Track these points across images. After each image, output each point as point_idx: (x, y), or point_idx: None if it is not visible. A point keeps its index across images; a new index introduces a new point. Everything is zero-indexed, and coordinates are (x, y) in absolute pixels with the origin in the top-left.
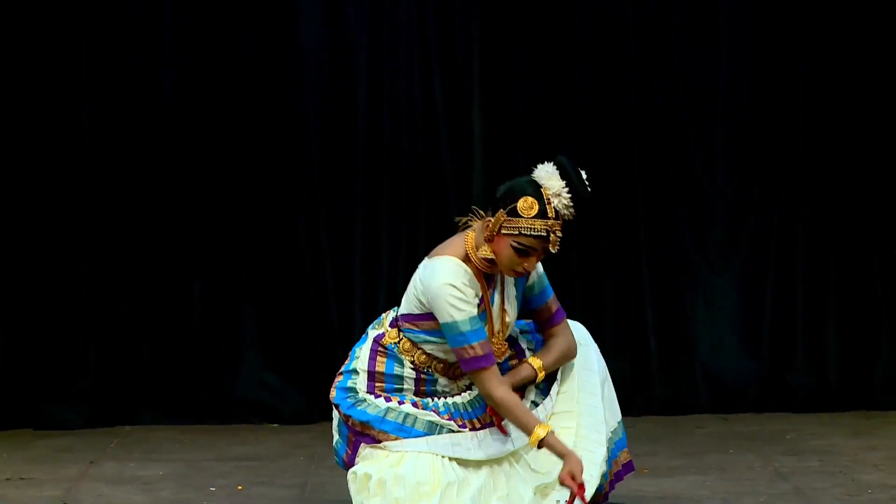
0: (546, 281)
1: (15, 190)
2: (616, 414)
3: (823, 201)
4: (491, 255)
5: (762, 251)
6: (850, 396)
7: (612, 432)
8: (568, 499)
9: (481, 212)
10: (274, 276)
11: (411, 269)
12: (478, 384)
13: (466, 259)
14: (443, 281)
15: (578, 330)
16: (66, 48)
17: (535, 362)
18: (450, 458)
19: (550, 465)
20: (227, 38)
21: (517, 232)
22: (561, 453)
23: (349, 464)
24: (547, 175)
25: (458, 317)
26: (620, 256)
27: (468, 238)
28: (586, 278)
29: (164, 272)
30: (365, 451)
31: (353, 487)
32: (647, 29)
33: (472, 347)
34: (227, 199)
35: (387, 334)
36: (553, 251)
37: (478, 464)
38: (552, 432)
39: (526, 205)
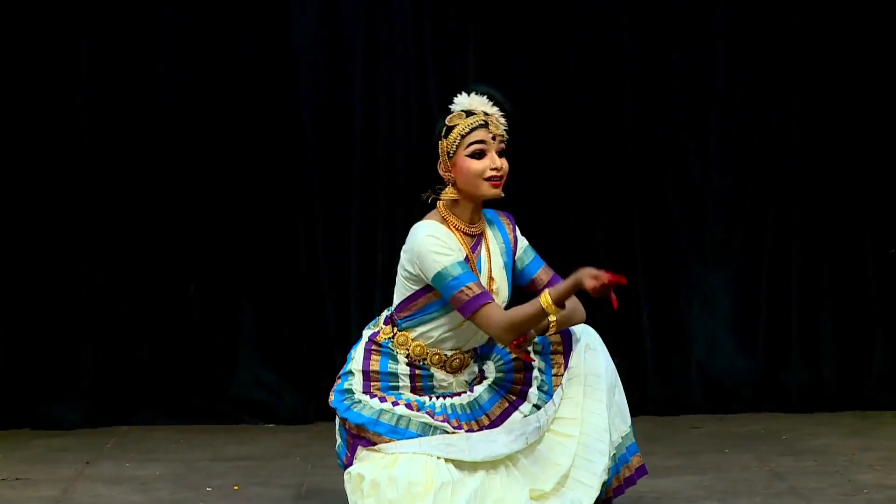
0: (534, 252)
1: (15, 190)
2: (626, 419)
3: (819, 201)
4: (455, 195)
5: (758, 250)
6: (846, 396)
7: (622, 437)
8: (613, 303)
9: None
10: (271, 277)
11: None
12: (483, 325)
13: (444, 223)
14: (424, 235)
15: (588, 333)
16: (66, 48)
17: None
18: (445, 460)
19: (549, 470)
20: (227, 38)
21: (460, 138)
22: (572, 284)
23: (349, 466)
24: (458, 100)
25: (446, 262)
26: (616, 255)
27: (440, 206)
28: None
29: (161, 273)
30: (362, 453)
31: (348, 488)
32: (645, 29)
33: (469, 287)
34: (225, 199)
35: (381, 331)
36: (498, 135)
37: (474, 466)
38: (550, 290)
39: (452, 117)
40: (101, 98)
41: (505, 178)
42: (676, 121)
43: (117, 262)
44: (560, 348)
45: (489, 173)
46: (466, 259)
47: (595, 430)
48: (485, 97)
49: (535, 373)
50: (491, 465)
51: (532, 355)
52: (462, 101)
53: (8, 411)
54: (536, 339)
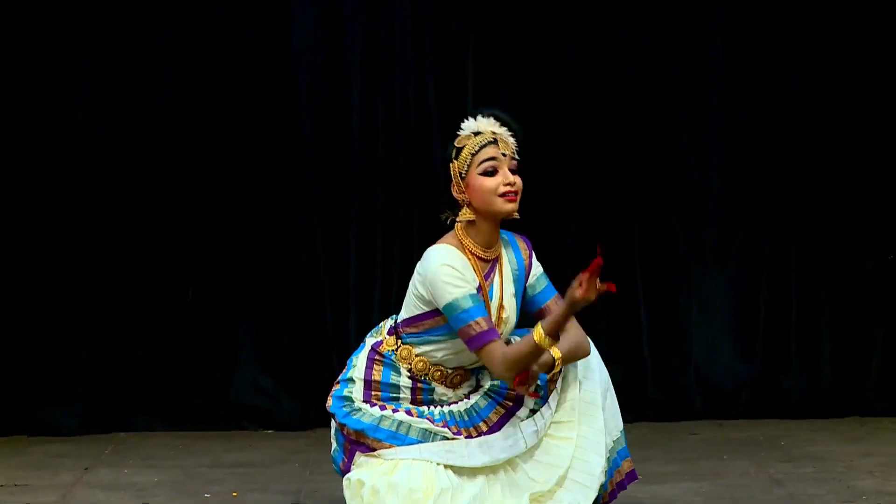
0: (547, 280)
1: (15, 190)
2: (618, 423)
3: (818, 204)
4: (471, 216)
5: (756, 254)
6: (845, 401)
7: (614, 441)
8: (612, 288)
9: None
10: (269, 280)
11: (405, 273)
12: (486, 360)
13: (461, 248)
14: (439, 263)
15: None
16: (66, 48)
17: (556, 353)
18: (445, 466)
19: (547, 473)
20: (227, 38)
21: (470, 157)
22: (565, 311)
23: (346, 471)
24: (465, 125)
25: (458, 293)
26: (614, 258)
27: (457, 228)
28: None
29: (159, 276)
30: (360, 459)
31: (347, 494)
32: (645, 29)
33: (477, 323)
34: (224, 200)
35: (384, 342)
36: (508, 153)
37: (473, 472)
38: (542, 323)
39: (461, 139)
40: (101, 98)
41: (520, 195)
42: (676, 121)
43: (113, 265)
44: None
45: (503, 189)
46: (479, 288)
47: (591, 433)
48: (491, 118)
49: None
50: (491, 470)
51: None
52: (469, 125)
53: (6, 417)
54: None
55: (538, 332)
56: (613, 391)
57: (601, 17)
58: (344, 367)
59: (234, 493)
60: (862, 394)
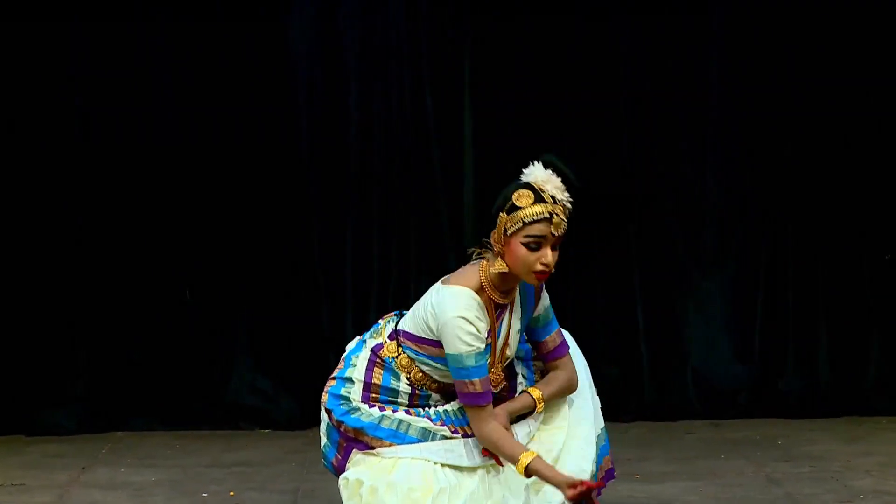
0: (552, 314)
1: (14, 190)
2: (600, 421)
3: (815, 206)
4: (504, 269)
5: (753, 256)
6: (842, 401)
7: (596, 437)
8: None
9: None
10: (267, 281)
11: (403, 273)
12: (470, 418)
13: (480, 289)
14: (456, 313)
15: (564, 336)
16: (65, 48)
17: (536, 393)
18: (443, 465)
19: (543, 456)
20: (227, 38)
21: (521, 224)
22: (550, 479)
23: (339, 469)
24: (532, 170)
25: (465, 350)
26: (612, 261)
27: (482, 267)
28: (578, 283)
29: (158, 276)
30: (357, 456)
31: (344, 494)
32: (644, 29)
33: (473, 383)
34: (223, 201)
35: (385, 346)
36: (557, 234)
37: (472, 469)
38: (538, 457)
39: (521, 195)
40: (101, 98)
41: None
42: (675, 122)
43: (111, 266)
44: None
45: (538, 267)
46: (489, 331)
47: (582, 423)
48: (559, 180)
49: (520, 379)
50: (492, 466)
51: (518, 368)
52: (537, 174)
53: (3, 417)
54: (519, 346)
55: (523, 462)
56: (595, 391)
57: (601, 17)
58: (340, 363)
59: (232, 493)
60: (859, 393)
